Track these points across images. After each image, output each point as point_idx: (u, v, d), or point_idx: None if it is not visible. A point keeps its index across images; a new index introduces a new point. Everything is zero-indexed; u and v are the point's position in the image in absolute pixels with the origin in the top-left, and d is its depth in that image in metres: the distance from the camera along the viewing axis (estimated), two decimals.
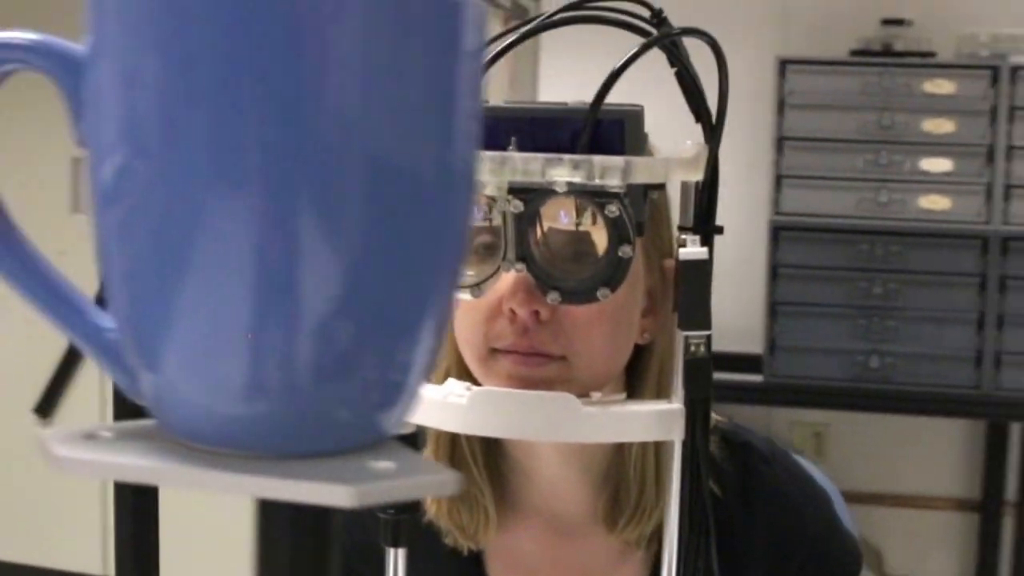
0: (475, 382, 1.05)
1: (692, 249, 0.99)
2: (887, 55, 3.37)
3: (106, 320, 0.44)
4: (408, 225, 0.42)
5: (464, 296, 0.97)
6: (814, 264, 3.28)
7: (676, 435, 0.99)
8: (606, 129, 0.96)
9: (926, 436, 3.69)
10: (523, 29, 1.01)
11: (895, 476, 3.74)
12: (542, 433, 1.02)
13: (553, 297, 0.96)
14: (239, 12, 0.38)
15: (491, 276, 0.96)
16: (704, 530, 1.01)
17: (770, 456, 1.25)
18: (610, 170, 0.91)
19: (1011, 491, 3.64)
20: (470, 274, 0.97)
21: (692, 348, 1.01)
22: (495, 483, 1.18)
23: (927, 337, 3.25)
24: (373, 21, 0.40)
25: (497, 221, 0.96)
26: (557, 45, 3.53)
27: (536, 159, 0.91)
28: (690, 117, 1.04)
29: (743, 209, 3.71)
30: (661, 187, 1.04)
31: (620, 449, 1.16)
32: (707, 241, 1.01)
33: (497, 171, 0.92)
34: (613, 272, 0.95)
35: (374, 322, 0.42)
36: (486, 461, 1.17)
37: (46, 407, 0.72)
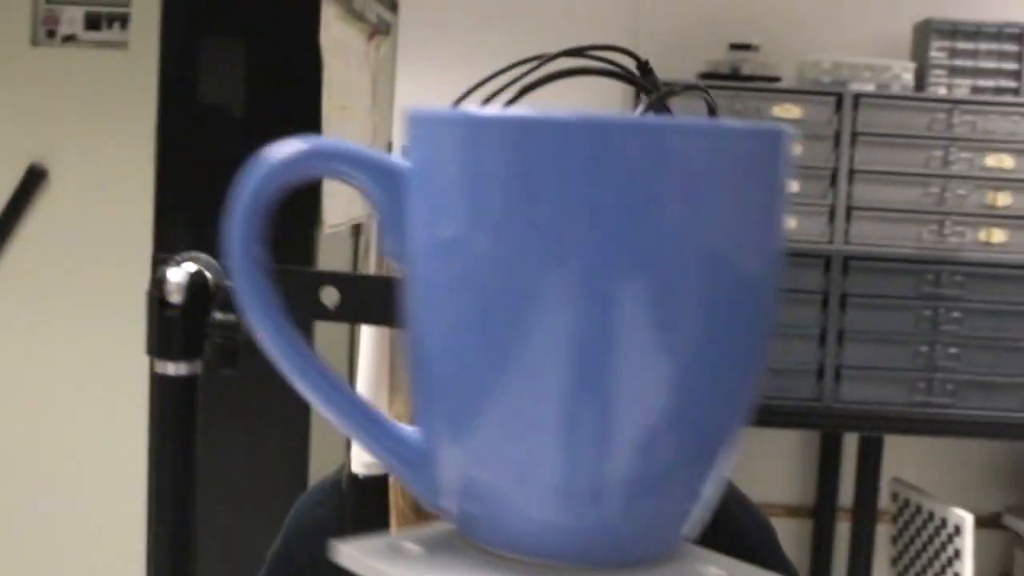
0: None
1: None
2: (735, 79, 3.48)
3: (409, 434, 0.44)
4: (735, 330, 0.43)
5: None
6: None
7: None
8: None
9: (763, 446, 3.84)
10: (520, 83, 1.02)
11: (740, 485, 3.86)
12: None
13: None
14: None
15: None
16: None
17: None
18: None
19: (844, 497, 3.81)
20: None
21: None
22: None
23: (772, 352, 3.36)
24: (719, 157, 0.41)
25: None
26: (411, 54, 3.54)
27: None
28: None
29: None
30: None
31: None
32: None
33: None
34: None
35: (697, 430, 0.43)
36: None
37: None
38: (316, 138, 0.48)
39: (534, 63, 1.06)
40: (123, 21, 2.56)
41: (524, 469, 0.41)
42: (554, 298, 0.40)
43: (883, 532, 3.74)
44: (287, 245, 2.59)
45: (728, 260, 0.43)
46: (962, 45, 3.54)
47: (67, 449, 2.62)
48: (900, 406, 3.39)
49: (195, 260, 0.73)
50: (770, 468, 3.90)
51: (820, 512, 3.81)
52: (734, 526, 1.28)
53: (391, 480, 1.17)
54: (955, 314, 3.38)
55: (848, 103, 3.35)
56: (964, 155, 3.36)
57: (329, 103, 2.58)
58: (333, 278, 0.76)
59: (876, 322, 3.38)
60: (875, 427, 3.47)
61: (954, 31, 3.55)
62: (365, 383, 1.05)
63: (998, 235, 3.39)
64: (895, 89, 3.46)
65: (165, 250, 2.37)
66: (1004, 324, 3.39)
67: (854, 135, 3.35)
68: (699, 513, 0.45)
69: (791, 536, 3.87)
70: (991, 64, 3.54)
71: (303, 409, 2.62)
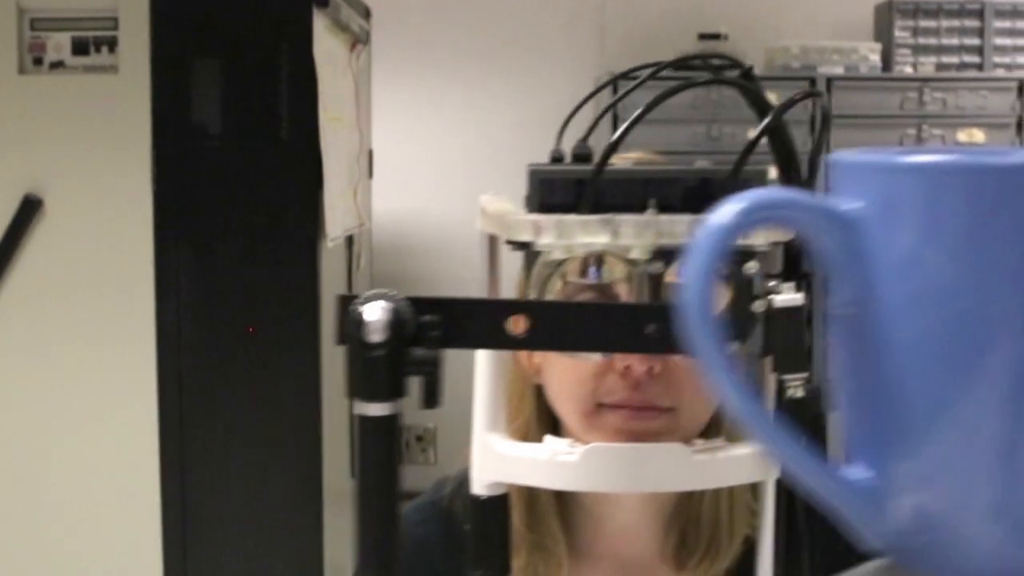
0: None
1: (788, 296, 1.04)
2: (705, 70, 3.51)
3: (855, 472, 0.46)
4: None
5: (594, 358, 1.00)
6: None
7: (773, 475, 1.04)
8: (730, 188, 0.99)
9: None
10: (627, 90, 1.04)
11: None
12: (656, 484, 1.05)
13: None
14: None
15: None
16: (798, 567, 1.06)
17: None
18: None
19: None
20: None
21: (790, 390, 1.05)
22: (568, 533, 1.19)
23: None
24: None
25: (613, 280, 0.98)
26: (384, 61, 3.53)
27: (682, 221, 0.94)
28: None
29: None
30: None
31: (689, 491, 1.20)
32: (799, 287, 1.06)
33: (643, 234, 0.94)
34: (742, 327, 0.99)
35: None
36: (559, 511, 1.19)
37: None
38: (755, 195, 0.50)
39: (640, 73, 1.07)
40: (111, 45, 2.53)
41: (989, 504, 0.43)
42: None
43: None
44: (291, 259, 2.59)
45: None
46: (925, 23, 3.61)
47: (68, 480, 2.59)
48: None
49: (383, 297, 0.74)
50: None
51: None
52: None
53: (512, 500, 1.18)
54: None
55: (821, 86, 3.39)
56: (936, 132, 3.42)
57: (324, 115, 2.58)
58: (521, 306, 0.77)
59: None
60: None
61: (916, 10, 3.61)
62: (484, 412, 1.06)
63: None
64: (863, 70, 3.52)
65: (167, 274, 2.34)
66: None
67: (827, 118, 3.39)
68: None
69: None
70: (954, 41, 3.61)
71: (314, 416, 2.62)
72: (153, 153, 2.50)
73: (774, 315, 1.02)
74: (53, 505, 2.59)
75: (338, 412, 2.79)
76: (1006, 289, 0.44)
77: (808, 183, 1.06)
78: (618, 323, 0.84)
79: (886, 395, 0.47)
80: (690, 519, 1.20)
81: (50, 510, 2.59)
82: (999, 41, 3.60)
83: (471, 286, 3.46)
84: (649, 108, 0.99)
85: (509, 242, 1.01)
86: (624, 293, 1.00)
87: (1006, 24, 3.61)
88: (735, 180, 0.98)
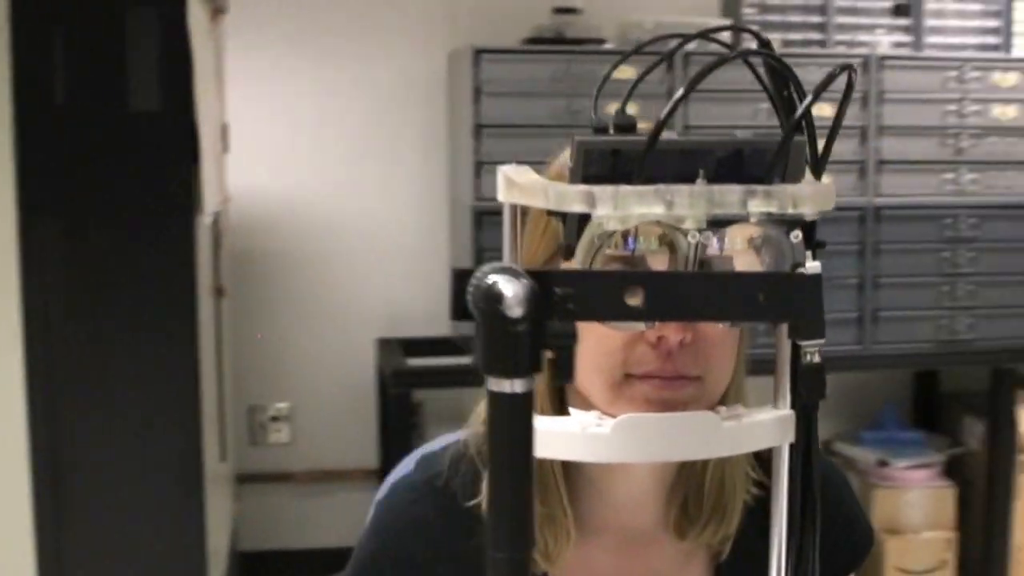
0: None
1: (810, 263, 1.04)
2: (560, 42, 3.51)
3: None
4: None
5: (637, 327, 0.98)
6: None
7: (789, 439, 1.05)
8: (774, 158, 0.99)
9: None
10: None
11: None
12: (687, 453, 1.04)
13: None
14: None
15: None
16: (812, 531, 1.07)
17: None
18: (802, 199, 0.94)
19: None
20: None
21: (808, 356, 1.06)
22: (573, 506, 1.18)
23: None
24: None
25: (650, 250, 0.97)
26: (238, 40, 3.42)
27: (733, 191, 0.93)
28: None
29: (425, 194, 3.78)
30: None
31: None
32: (814, 256, 1.06)
33: (696, 204, 0.92)
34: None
35: None
36: (566, 483, 1.17)
37: None
38: None
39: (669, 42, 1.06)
40: None
41: None
42: None
43: None
44: (168, 236, 2.48)
45: None
46: (772, 1, 3.69)
47: None
48: None
49: (505, 271, 0.70)
50: None
51: None
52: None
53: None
54: None
55: (679, 61, 3.43)
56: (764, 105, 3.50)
57: (199, 87, 2.48)
58: (639, 277, 0.75)
59: None
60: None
61: None
62: None
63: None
64: (713, 47, 3.57)
65: (33, 254, 2.21)
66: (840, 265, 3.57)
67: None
68: None
69: None
70: (798, 18, 3.70)
71: (193, 400, 2.52)
72: (14, 128, 2.36)
73: (799, 283, 1.02)
74: None
75: (208, 397, 2.70)
76: None
77: (824, 156, 1.06)
78: (733, 292, 0.82)
79: None
80: (692, 488, 1.20)
81: None
82: (840, 19, 3.72)
83: (333, 261, 3.37)
84: (694, 83, 0.97)
85: (551, 213, 0.98)
86: (658, 264, 0.98)
87: (846, 3, 3.72)
88: (780, 150, 0.97)
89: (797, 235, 0.97)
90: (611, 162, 0.95)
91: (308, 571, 3.79)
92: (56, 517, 2.45)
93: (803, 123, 1.07)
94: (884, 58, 3.57)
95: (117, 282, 2.44)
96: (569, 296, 0.72)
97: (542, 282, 0.71)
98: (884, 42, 3.74)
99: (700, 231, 0.95)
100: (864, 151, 3.56)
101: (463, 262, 3.52)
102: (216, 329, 2.89)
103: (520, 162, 1.10)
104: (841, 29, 3.72)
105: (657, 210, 0.91)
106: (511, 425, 0.70)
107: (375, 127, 3.77)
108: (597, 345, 1.05)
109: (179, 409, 2.50)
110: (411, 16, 3.76)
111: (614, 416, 1.03)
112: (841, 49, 3.67)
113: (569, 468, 1.18)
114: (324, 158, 3.76)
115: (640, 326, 1.02)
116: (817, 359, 1.07)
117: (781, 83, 1.08)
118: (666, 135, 0.99)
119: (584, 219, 0.96)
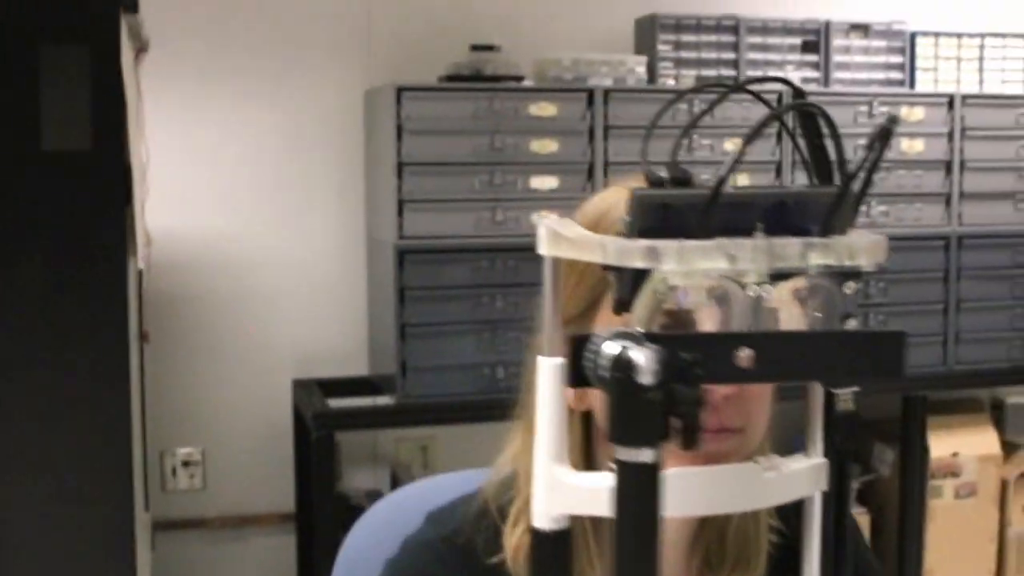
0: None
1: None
2: (480, 80, 3.50)
3: None
4: None
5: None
6: (439, 284, 3.36)
7: (822, 487, 1.05)
8: (814, 208, 0.98)
9: None
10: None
11: None
12: (732, 505, 1.03)
13: None
14: None
15: None
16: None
17: None
18: (858, 251, 0.94)
19: None
20: None
21: (841, 404, 1.06)
22: (600, 557, 1.16)
23: None
24: None
25: (701, 306, 0.95)
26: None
27: (793, 244, 0.92)
28: None
29: (341, 233, 3.73)
30: None
31: None
32: None
33: (758, 258, 0.91)
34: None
35: None
36: (595, 535, 1.15)
37: None
38: None
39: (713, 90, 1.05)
40: None
41: None
42: None
43: None
44: (101, 283, 2.39)
45: None
46: (685, 38, 3.73)
47: None
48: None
49: (625, 336, 0.68)
50: None
51: None
52: None
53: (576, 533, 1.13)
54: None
55: (599, 98, 3.45)
56: (706, 141, 3.54)
57: (130, 127, 2.41)
58: (748, 339, 0.73)
59: None
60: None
61: (677, 24, 3.73)
62: (548, 443, 1.01)
63: None
64: (630, 82, 3.60)
65: None
66: None
67: (606, 129, 3.46)
68: None
69: None
70: (712, 55, 3.75)
71: (125, 451, 2.44)
72: None
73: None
74: None
75: (137, 446, 2.61)
76: None
77: (862, 195, 1.05)
78: (836, 351, 0.81)
79: None
80: (714, 538, 1.19)
81: None
82: (751, 55, 3.77)
83: (249, 302, 3.29)
84: (751, 139, 0.97)
85: (607, 268, 0.97)
86: (706, 319, 0.97)
87: (757, 39, 3.78)
88: (839, 202, 0.97)
89: (851, 287, 0.97)
90: (664, 215, 0.94)
91: None
92: None
93: (837, 173, 1.06)
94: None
95: (46, 329, 2.35)
96: (697, 361, 0.70)
97: (666, 347, 0.69)
98: (793, 78, 3.80)
99: (759, 284, 0.94)
100: (780, 187, 3.61)
101: (383, 302, 3.48)
102: (141, 376, 2.81)
103: (556, 214, 1.08)
104: (752, 65, 3.78)
105: (720, 264, 0.89)
106: (641, 496, 0.67)
107: (291, 166, 3.71)
108: None
109: (111, 460, 2.41)
110: (326, 54, 3.71)
111: None
112: (753, 85, 3.72)
113: (597, 522, 1.16)
114: (239, 198, 3.69)
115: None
116: (852, 406, 1.07)
117: (815, 133, 1.08)
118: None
119: (639, 273, 0.94)
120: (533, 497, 1.01)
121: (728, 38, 3.76)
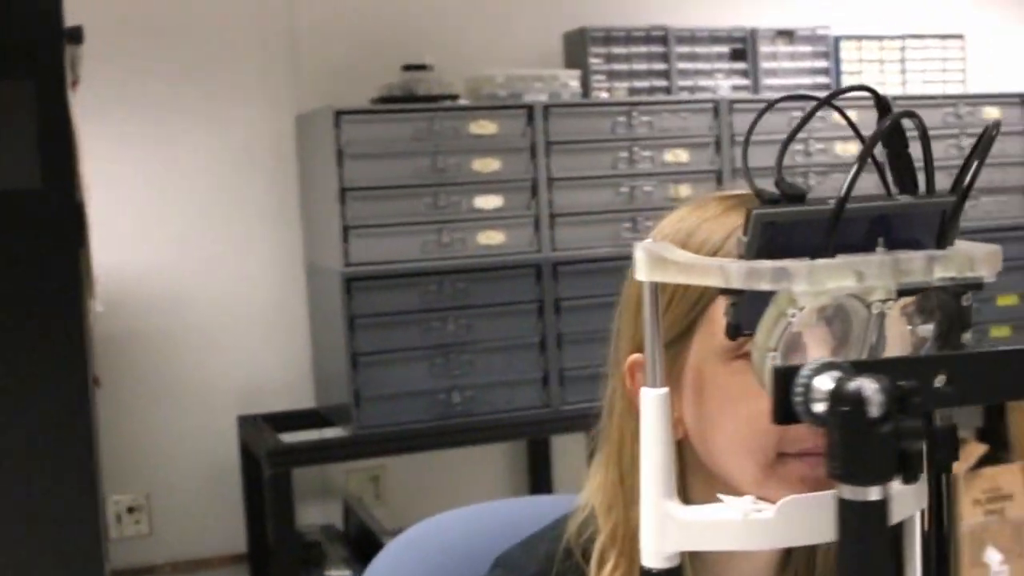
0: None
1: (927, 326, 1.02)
2: (414, 100, 3.44)
3: None
4: None
5: None
6: (388, 310, 3.29)
7: (923, 505, 1.02)
8: (928, 218, 0.95)
9: (481, 459, 3.85)
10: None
11: (454, 504, 3.84)
12: None
13: None
14: None
15: None
16: None
17: None
18: (978, 262, 0.91)
19: (557, 490, 3.90)
20: None
21: (941, 419, 1.03)
22: None
23: (499, 366, 3.39)
24: None
25: (808, 327, 0.92)
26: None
27: (917, 258, 0.89)
28: None
29: (279, 262, 3.64)
30: None
31: None
32: None
33: (884, 274, 0.88)
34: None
35: None
36: (693, 567, 1.11)
37: None
38: None
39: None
40: None
41: None
42: None
43: None
44: (54, 320, 2.29)
45: None
46: (616, 50, 3.72)
47: None
48: None
49: (834, 367, 0.64)
50: (486, 480, 3.92)
51: None
52: None
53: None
54: None
55: (539, 114, 3.41)
56: (646, 153, 3.53)
57: (81, 164, 2.31)
58: (945, 361, 0.69)
59: (591, 323, 3.48)
60: None
61: (607, 38, 3.72)
62: (656, 479, 0.97)
63: None
64: (565, 97, 3.57)
65: None
66: None
67: (548, 144, 3.42)
68: None
69: None
70: (643, 66, 3.74)
71: (91, 500, 2.33)
72: None
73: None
74: None
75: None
76: None
77: (961, 202, 1.01)
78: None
79: None
80: (801, 563, 1.16)
81: None
82: (682, 65, 3.77)
83: (187, 338, 3.18)
84: (866, 154, 0.94)
85: (724, 291, 0.93)
86: (814, 339, 0.93)
87: (686, 49, 3.78)
88: (955, 213, 0.94)
89: (969, 298, 0.94)
90: (784, 234, 0.90)
91: None
92: None
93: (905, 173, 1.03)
94: (733, 102, 3.64)
95: (2, 378, 2.24)
96: (915, 389, 0.66)
97: (886, 377, 0.64)
98: (724, 86, 3.81)
99: (884, 301, 0.90)
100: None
101: (330, 332, 3.40)
102: (94, 422, 2.69)
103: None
104: (683, 75, 3.78)
105: (848, 283, 0.86)
106: (870, 536, 0.63)
107: (223, 197, 3.61)
108: (748, 426, 0.99)
109: (78, 511, 2.31)
110: (253, 81, 3.63)
111: (762, 499, 0.97)
112: (685, 95, 3.73)
113: (695, 555, 1.12)
114: (171, 232, 3.57)
115: None
116: (951, 421, 1.04)
117: (900, 142, 1.04)
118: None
119: (757, 296, 0.90)
120: (642, 535, 0.96)
121: (658, 49, 3.75)
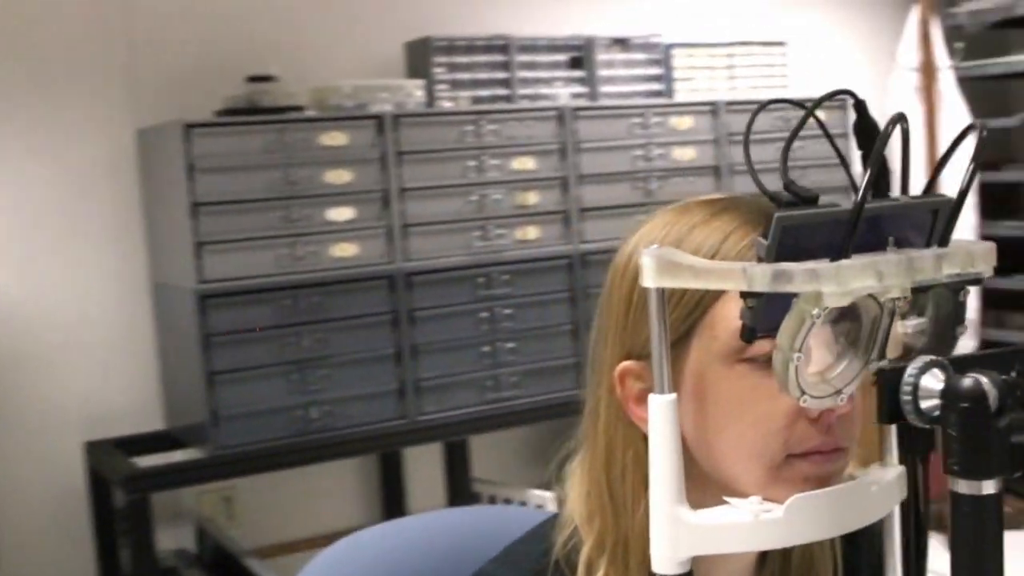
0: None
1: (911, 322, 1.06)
2: (256, 112, 3.38)
3: None
4: None
5: (823, 404, 0.95)
6: (243, 327, 3.22)
7: (903, 494, 1.06)
8: (921, 218, 0.99)
9: (333, 474, 3.80)
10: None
11: (308, 521, 3.79)
12: (851, 524, 1.02)
13: None
14: None
15: (854, 379, 0.95)
16: None
17: None
18: (979, 258, 0.95)
19: (412, 504, 3.88)
20: (828, 382, 0.94)
21: None
22: None
23: (355, 379, 3.35)
24: None
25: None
26: None
27: (927, 256, 0.92)
28: None
29: (121, 281, 3.52)
30: None
31: None
32: None
33: (900, 273, 0.91)
34: (948, 353, 0.99)
35: None
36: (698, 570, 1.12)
37: None
38: None
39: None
40: None
41: None
42: None
43: None
44: None
45: None
46: (459, 59, 3.73)
47: None
48: (476, 407, 3.53)
49: (936, 364, 0.66)
50: (339, 495, 3.87)
51: None
52: None
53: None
54: (507, 311, 3.57)
55: (388, 124, 3.40)
56: (494, 162, 3.55)
57: None
58: (1018, 355, 0.72)
59: (445, 333, 3.48)
60: (459, 432, 3.57)
61: (450, 47, 3.72)
62: (666, 484, 0.98)
63: (532, 232, 3.62)
64: (410, 106, 3.57)
65: None
66: (547, 313, 3.64)
67: (398, 154, 3.41)
68: None
69: None
70: (485, 75, 3.76)
71: None
72: None
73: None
74: None
75: None
76: None
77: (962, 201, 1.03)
78: None
79: None
80: (779, 562, 1.18)
81: None
82: (523, 74, 3.81)
83: (26, 364, 3.09)
84: (885, 139, 0.96)
85: (745, 295, 0.94)
86: (816, 340, 0.96)
87: (527, 58, 3.82)
88: (956, 210, 0.98)
89: (967, 293, 0.98)
90: (802, 236, 0.92)
91: None
92: None
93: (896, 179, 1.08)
94: (577, 109, 3.70)
95: None
96: (1019, 384, 0.69)
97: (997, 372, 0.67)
98: (563, 94, 3.86)
99: (896, 300, 0.94)
100: (567, 200, 3.67)
101: (182, 351, 3.30)
102: None
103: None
104: (524, 83, 3.81)
105: (870, 282, 0.89)
106: (987, 528, 0.65)
107: (62, 216, 3.47)
108: (754, 428, 1.01)
109: None
110: (91, 94, 3.50)
111: (767, 500, 0.99)
112: (525, 103, 3.76)
113: (699, 560, 1.13)
114: (9, 253, 3.41)
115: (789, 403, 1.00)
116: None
117: (870, 140, 1.07)
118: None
119: (774, 299, 0.92)
120: (653, 541, 0.97)
121: (500, 58, 3.78)
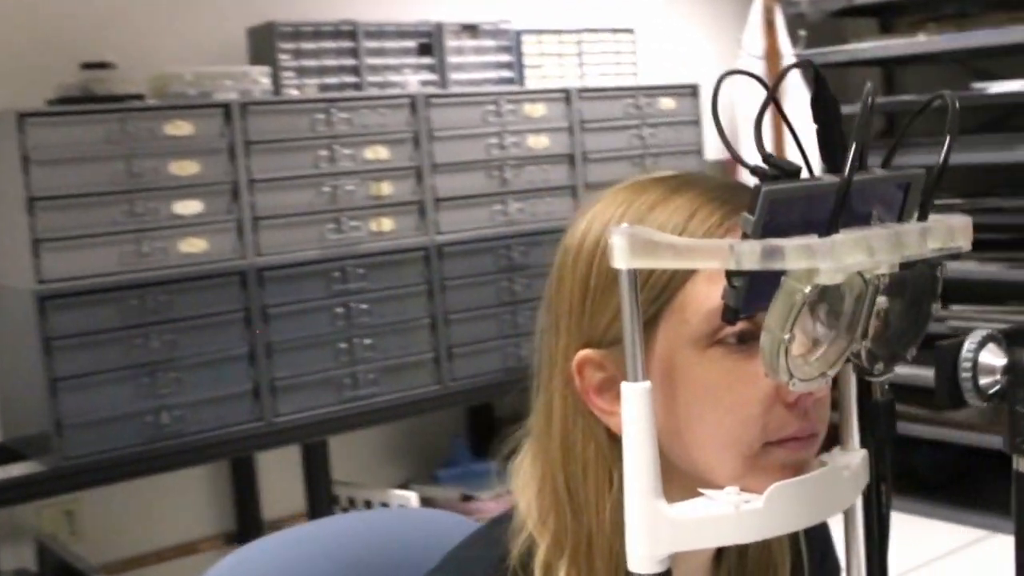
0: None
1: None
2: (92, 100, 3.20)
3: None
4: None
5: (810, 387, 0.90)
6: (88, 329, 3.03)
7: (866, 478, 1.03)
8: (894, 191, 0.94)
9: (182, 480, 3.64)
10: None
11: (157, 534, 3.62)
12: (829, 511, 0.98)
13: (879, 368, 0.94)
14: None
15: (838, 360, 0.91)
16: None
17: None
18: (958, 232, 0.91)
19: (266, 512, 3.75)
20: (812, 364, 0.89)
21: (880, 392, 1.03)
22: None
23: (208, 381, 3.20)
24: None
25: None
26: None
27: (911, 231, 0.87)
28: None
29: None
30: None
31: None
32: None
33: (890, 248, 0.86)
34: (923, 330, 0.94)
35: None
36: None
37: None
38: None
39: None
40: None
41: None
42: None
43: None
44: None
45: None
46: (306, 45, 3.60)
47: None
48: (334, 406, 3.41)
49: (992, 339, 0.60)
50: (190, 504, 3.71)
51: (244, 533, 3.69)
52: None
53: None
54: (364, 305, 3.46)
55: (236, 113, 3.25)
56: (347, 151, 3.44)
57: None
58: None
59: (300, 330, 3.36)
60: (318, 432, 3.45)
61: (296, 33, 3.59)
62: (643, 479, 0.92)
63: (387, 223, 3.52)
64: (256, 94, 3.42)
65: None
66: (404, 307, 3.55)
67: (247, 144, 3.27)
68: None
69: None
70: (333, 62, 3.64)
71: None
72: None
73: None
74: None
75: None
76: None
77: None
78: None
79: None
80: (735, 557, 1.14)
81: None
82: (371, 60, 3.70)
83: None
84: (868, 116, 0.91)
85: (731, 274, 0.89)
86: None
87: (375, 44, 3.71)
88: (935, 185, 0.94)
89: (944, 268, 0.94)
90: (802, 209, 0.86)
91: None
92: None
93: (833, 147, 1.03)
94: (429, 97, 3.61)
95: None
96: None
97: None
98: (413, 81, 3.77)
99: (881, 276, 0.89)
100: (422, 190, 3.58)
101: (19, 357, 3.10)
102: None
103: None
104: (373, 71, 3.70)
105: (861, 258, 0.83)
106: None
107: None
108: (731, 415, 0.95)
109: None
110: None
111: (744, 491, 0.94)
112: (375, 91, 3.65)
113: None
114: None
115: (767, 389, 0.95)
116: (890, 395, 1.04)
117: (835, 116, 1.02)
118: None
119: (759, 278, 0.86)
120: (629, 539, 0.90)
121: (347, 44, 3.66)
